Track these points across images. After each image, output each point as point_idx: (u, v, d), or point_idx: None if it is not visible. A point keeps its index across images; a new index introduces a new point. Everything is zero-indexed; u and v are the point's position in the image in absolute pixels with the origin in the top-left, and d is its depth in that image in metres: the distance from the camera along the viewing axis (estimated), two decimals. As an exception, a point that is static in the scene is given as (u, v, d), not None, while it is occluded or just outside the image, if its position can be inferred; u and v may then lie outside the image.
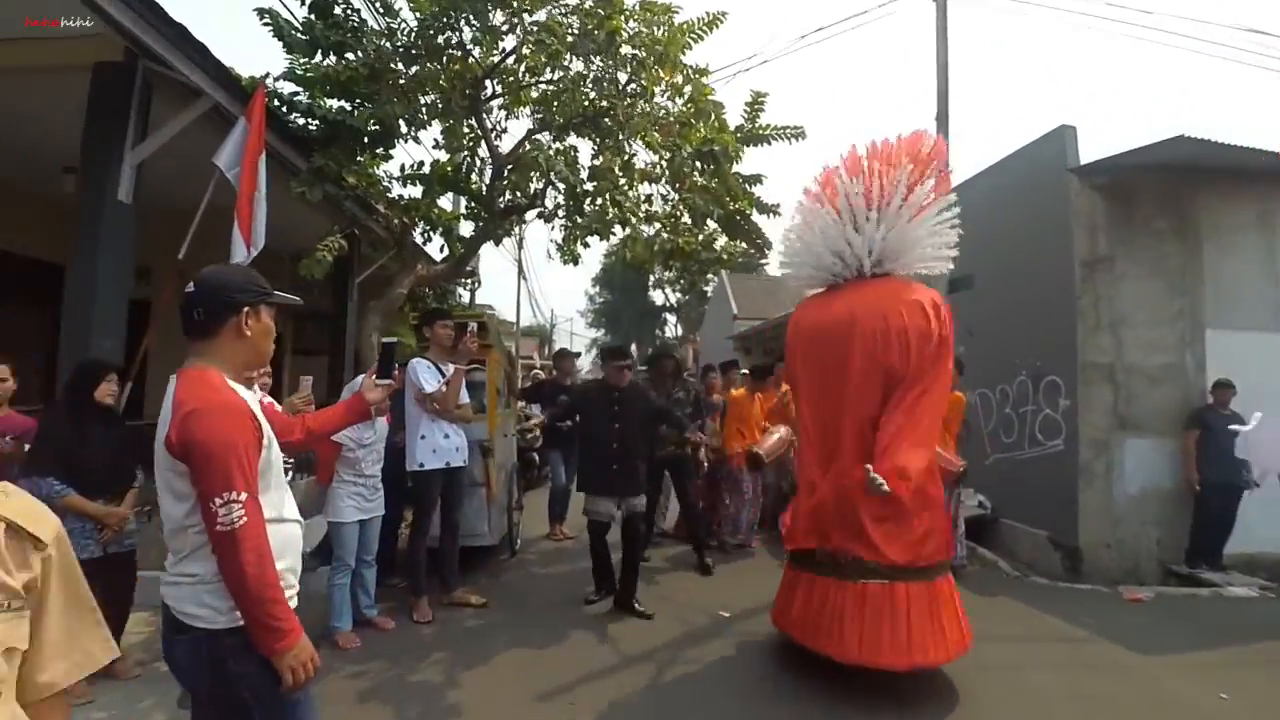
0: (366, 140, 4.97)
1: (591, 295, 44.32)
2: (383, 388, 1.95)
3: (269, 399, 2.89)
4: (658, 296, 41.30)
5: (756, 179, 5.74)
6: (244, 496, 1.38)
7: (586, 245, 6.50)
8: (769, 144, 5.44)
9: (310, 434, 1.91)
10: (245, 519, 1.38)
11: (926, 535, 3.17)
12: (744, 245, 5.67)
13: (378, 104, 4.56)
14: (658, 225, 5.45)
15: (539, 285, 46.57)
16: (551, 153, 4.22)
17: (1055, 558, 5.72)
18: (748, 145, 5.29)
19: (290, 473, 2.62)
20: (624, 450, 4.23)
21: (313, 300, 9.27)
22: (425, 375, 4.01)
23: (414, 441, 4.05)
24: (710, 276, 6.35)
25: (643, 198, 5.29)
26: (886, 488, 2.95)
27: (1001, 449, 6.58)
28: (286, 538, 1.55)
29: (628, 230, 5.03)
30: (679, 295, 40.67)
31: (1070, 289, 5.79)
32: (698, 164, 4.97)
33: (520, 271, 17.75)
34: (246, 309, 1.53)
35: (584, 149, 5.77)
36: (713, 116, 4.90)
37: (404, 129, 4.76)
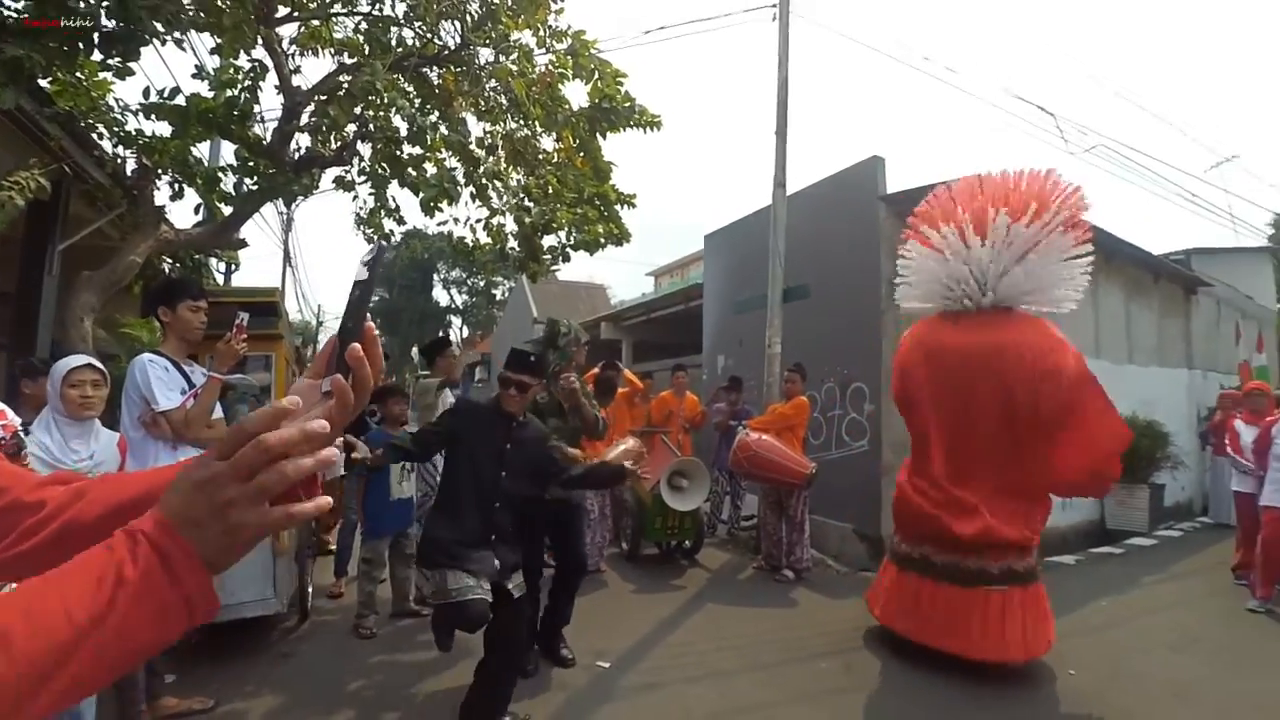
0: (97, 39, 3.44)
1: (366, 293, 40.37)
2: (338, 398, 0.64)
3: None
4: (443, 297, 39.06)
5: (608, 167, 5.30)
6: None
7: (401, 221, 5.48)
8: (621, 130, 5.07)
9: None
10: None
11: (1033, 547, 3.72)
12: (616, 229, 5.12)
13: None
14: (520, 198, 4.59)
15: (307, 276, 40.69)
16: (386, 83, 3.20)
17: (860, 547, 6.21)
18: (606, 131, 4.81)
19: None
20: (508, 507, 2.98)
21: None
22: (160, 384, 2.74)
23: None
24: (552, 267, 5.58)
25: (502, 159, 4.40)
26: None
27: (810, 450, 7.01)
28: None
29: (480, 203, 4.16)
30: (465, 296, 38.84)
31: (876, 305, 6.34)
32: (584, 127, 4.30)
33: (287, 257, 14.99)
34: None
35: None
36: (597, 75, 4.28)
37: (151, 22, 3.31)
